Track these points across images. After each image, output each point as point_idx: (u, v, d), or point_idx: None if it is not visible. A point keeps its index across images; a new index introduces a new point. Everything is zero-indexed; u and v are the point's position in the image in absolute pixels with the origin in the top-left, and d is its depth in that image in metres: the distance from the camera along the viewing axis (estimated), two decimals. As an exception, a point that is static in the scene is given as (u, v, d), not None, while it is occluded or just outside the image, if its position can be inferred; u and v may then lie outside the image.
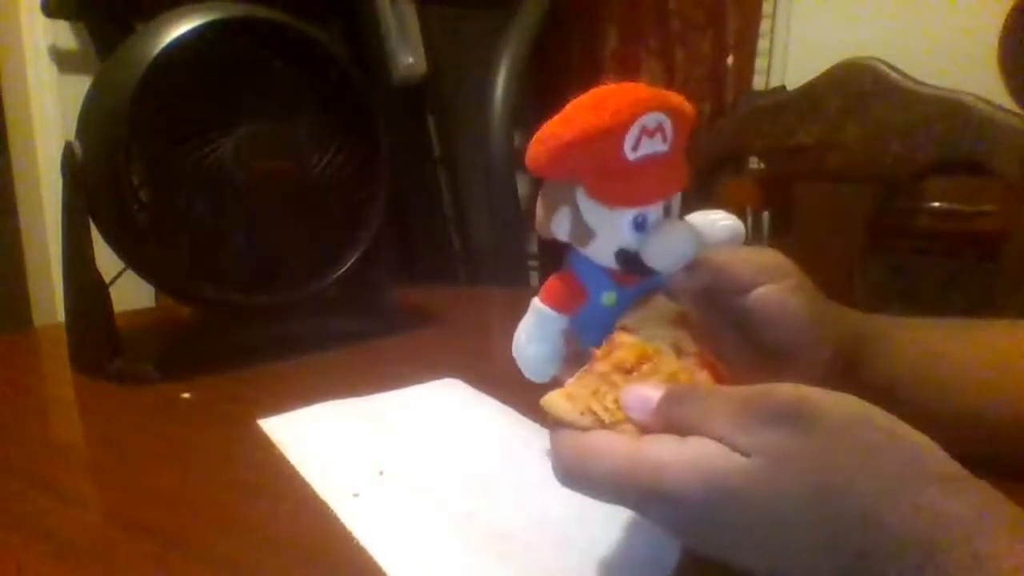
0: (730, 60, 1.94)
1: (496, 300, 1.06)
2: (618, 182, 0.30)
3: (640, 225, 0.31)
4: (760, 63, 1.96)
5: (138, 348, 0.68)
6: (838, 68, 0.81)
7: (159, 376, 0.64)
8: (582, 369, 0.31)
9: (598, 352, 0.31)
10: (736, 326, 0.37)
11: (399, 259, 1.70)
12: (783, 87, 1.85)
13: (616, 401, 0.29)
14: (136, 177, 0.65)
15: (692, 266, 0.33)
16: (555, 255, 0.35)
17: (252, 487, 0.45)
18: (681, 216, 0.34)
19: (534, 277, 1.90)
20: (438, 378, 0.62)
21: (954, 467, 0.25)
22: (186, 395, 0.60)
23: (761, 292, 0.36)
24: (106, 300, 0.67)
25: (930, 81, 0.75)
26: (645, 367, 0.30)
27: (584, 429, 0.29)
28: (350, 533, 0.38)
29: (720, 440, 0.26)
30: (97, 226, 0.66)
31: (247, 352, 0.69)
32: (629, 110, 0.29)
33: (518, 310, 0.35)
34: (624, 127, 0.29)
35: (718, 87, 1.97)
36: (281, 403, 0.56)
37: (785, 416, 0.25)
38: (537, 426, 0.50)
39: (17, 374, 0.72)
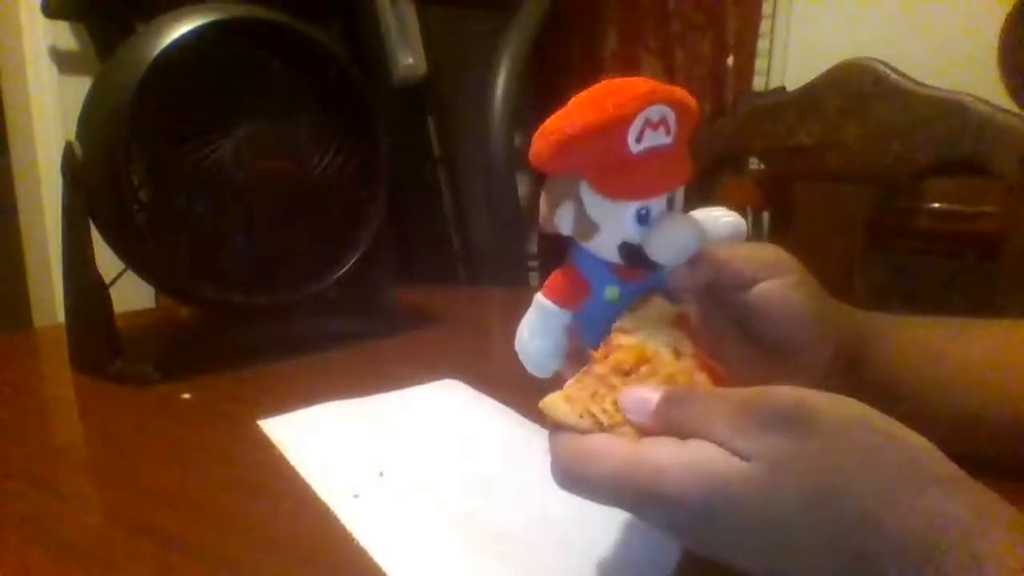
0: (730, 60, 1.95)
1: (496, 300, 1.06)
2: (621, 175, 0.30)
3: (643, 219, 0.31)
4: (760, 63, 1.96)
5: (138, 348, 0.68)
6: (838, 68, 0.81)
7: (159, 376, 0.64)
8: (580, 371, 0.31)
9: (596, 354, 0.31)
10: (738, 322, 0.37)
11: (399, 259, 1.69)
12: (783, 87, 1.85)
13: (615, 403, 0.29)
14: (136, 177, 0.65)
15: (694, 261, 0.33)
16: (555, 254, 0.35)
17: (252, 487, 0.45)
18: (684, 213, 0.34)
19: (534, 277, 1.90)
20: (438, 378, 0.62)
21: (952, 469, 0.25)
22: (186, 395, 0.60)
23: (763, 287, 0.36)
24: (106, 300, 0.67)
25: (930, 81, 0.75)
26: (643, 369, 0.30)
27: (583, 432, 0.29)
28: (350, 533, 0.38)
29: (719, 444, 0.26)
30: (97, 226, 0.67)
31: (247, 352, 0.69)
32: (633, 103, 0.29)
33: (518, 310, 0.35)
34: (628, 120, 0.29)
35: (718, 87, 1.97)
36: (281, 403, 0.56)
37: (783, 419, 0.25)
38: (537, 427, 0.50)
39: (17, 374, 0.72)
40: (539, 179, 0.33)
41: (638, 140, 0.29)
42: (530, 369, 0.35)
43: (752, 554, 0.26)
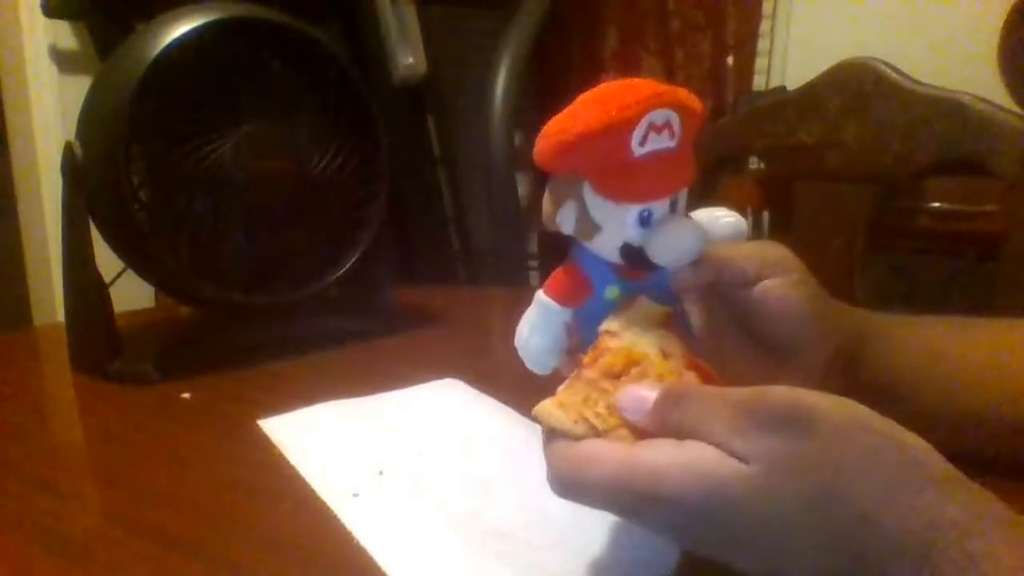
0: (730, 60, 1.95)
1: (496, 300, 1.06)
2: (624, 178, 0.30)
3: (645, 221, 0.31)
4: (760, 63, 1.96)
5: (138, 348, 0.68)
6: (838, 68, 0.81)
7: (159, 376, 0.64)
8: (570, 376, 0.31)
9: (585, 358, 0.31)
10: (738, 321, 0.37)
11: (399, 259, 1.69)
12: (783, 87, 1.85)
13: (608, 407, 0.29)
14: (136, 177, 0.65)
15: (696, 261, 0.33)
16: (556, 254, 0.35)
17: (252, 487, 0.45)
18: (686, 214, 0.34)
19: (534, 277, 1.91)
20: (438, 378, 0.62)
21: (950, 469, 0.25)
22: (186, 395, 0.60)
23: (765, 286, 0.36)
24: (106, 300, 0.67)
25: (930, 81, 0.75)
26: (633, 371, 0.30)
27: (577, 437, 0.29)
28: (350, 533, 0.38)
29: (716, 444, 0.26)
30: (97, 226, 0.66)
31: (247, 352, 0.69)
32: (638, 106, 0.29)
33: (518, 310, 0.35)
34: (632, 123, 0.29)
35: (718, 87, 1.97)
36: (281, 403, 0.56)
37: (781, 420, 0.25)
38: (537, 426, 0.50)
39: (17, 374, 0.72)
40: (540, 179, 0.33)
41: (641, 144, 0.30)
42: (529, 366, 0.35)
43: (751, 555, 0.26)
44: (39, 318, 1.77)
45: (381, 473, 0.45)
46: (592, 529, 0.37)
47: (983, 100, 0.71)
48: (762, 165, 1.04)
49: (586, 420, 0.29)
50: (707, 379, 0.31)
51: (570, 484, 0.29)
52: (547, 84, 2.07)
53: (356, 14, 1.66)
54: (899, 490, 0.24)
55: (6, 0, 1.60)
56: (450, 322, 0.87)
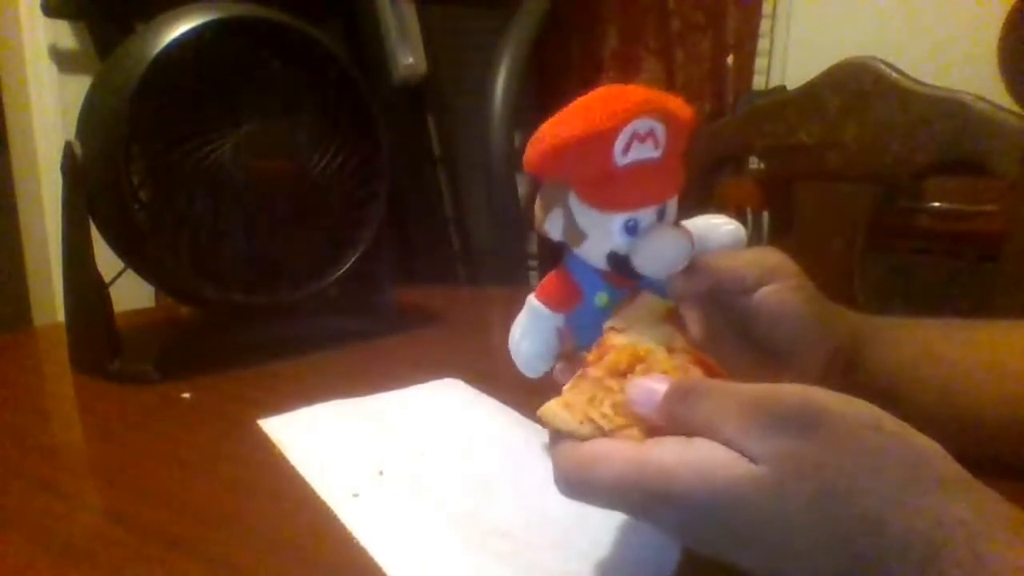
0: (730, 60, 1.95)
1: (496, 300, 1.06)
2: (607, 186, 0.30)
3: (631, 229, 0.31)
4: (760, 63, 1.96)
5: (138, 348, 0.68)
6: (838, 68, 0.81)
7: (159, 376, 0.64)
8: (575, 375, 0.31)
9: (589, 356, 0.31)
10: (737, 325, 0.37)
11: (399, 259, 1.70)
12: (783, 86, 1.85)
13: (613, 407, 0.29)
14: (136, 177, 0.65)
15: (693, 270, 0.33)
16: (555, 255, 0.35)
17: (252, 487, 0.45)
18: (680, 220, 0.34)
19: (533, 277, 1.91)
20: (438, 378, 0.62)
21: (958, 470, 0.25)
22: (186, 395, 0.60)
23: (763, 292, 0.36)
24: (106, 300, 0.67)
25: (930, 81, 0.75)
26: (638, 369, 0.30)
27: (583, 438, 0.29)
28: (350, 533, 0.38)
29: (726, 442, 0.26)
30: (97, 226, 0.66)
31: (247, 352, 0.69)
32: (621, 115, 0.29)
33: (518, 310, 0.36)
34: (615, 131, 0.29)
35: (718, 87, 1.97)
36: (281, 403, 0.56)
37: (792, 419, 0.25)
38: (537, 426, 0.50)
39: (17, 373, 0.72)
40: (538, 180, 0.33)
41: (624, 152, 0.30)
42: (521, 368, 0.35)
43: (757, 554, 0.26)
44: (39, 318, 1.77)
45: (381, 473, 0.45)
46: (593, 529, 0.37)
47: (983, 100, 0.71)
48: (762, 165, 1.04)
49: (592, 420, 0.29)
50: (712, 374, 0.31)
51: (577, 484, 0.28)
52: (547, 84, 2.07)
53: (356, 14, 1.67)
54: (906, 490, 0.24)
55: (6, 0, 1.60)
56: (450, 322, 0.87)
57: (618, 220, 0.31)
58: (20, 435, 0.55)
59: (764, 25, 1.94)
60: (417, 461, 0.47)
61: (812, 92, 0.82)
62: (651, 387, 0.29)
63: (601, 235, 0.31)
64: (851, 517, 0.24)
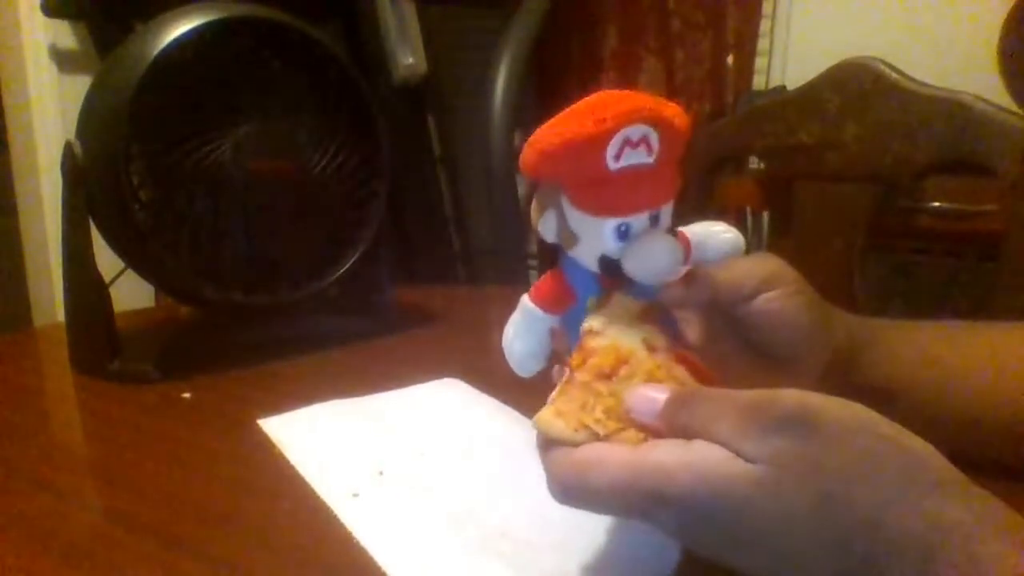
0: (730, 60, 1.95)
1: (496, 300, 1.06)
2: (598, 191, 0.30)
3: (623, 234, 0.31)
4: (760, 63, 1.96)
5: (138, 348, 0.68)
6: (838, 68, 0.80)
7: (159, 376, 0.64)
8: (562, 380, 0.31)
9: (572, 361, 0.31)
10: (735, 331, 0.37)
11: (399, 259, 1.70)
12: (783, 86, 1.85)
13: (605, 411, 0.29)
14: (136, 177, 0.65)
15: (691, 281, 0.34)
16: (554, 255, 0.35)
17: (252, 487, 0.45)
18: (679, 224, 0.34)
19: (533, 277, 1.90)
20: (438, 378, 0.62)
21: (954, 473, 0.25)
22: (186, 395, 0.60)
23: (762, 299, 0.36)
24: (106, 300, 0.67)
25: (930, 81, 0.75)
26: (623, 370, 0.30)
27: (579, 445, 0.29)
28: (350, 533, 0.38)
29: (724, 444, 0.26)
30: (97, 226, 0.66)
31: (247, 352, 0.69)
32: (614, 120, 0.29)
33: (517, 309, 0.35)
34: (607, 137, 0.29)
35: (718, 87, 1.97)
36: (281, 403, 0.56)
37: (789, 422, 0.26)
38: (537, 426, 0.50)
39: (17, 374, 0.72)
40: (535, 181, 0.33)
41: (616, 158, 0.30)
42: (513, 367, 0.36)
43: (755, 556, 0.26)
44: (39, 318, 1.77)
45: (381, 473, 0.45)
46: (593, 529, 0.37)
47: (983, 100, 0.71)
48: (762, 165, 1.04)
49: (586, 427, 0.29)
50: (695, 370, 0.31)
51: (573, 489, 0.28)
52: (547, 84, 2.07)
53: (356, 14, 1.67)
54: (902, 493, 0.24)
55: (6, 0, 1.60)
56: (450, 322, 0.87)
57: (610, 224, 0.31)
58: (20, 435, 0.55)
59: (764, 25, 1.94)
60: (417, 461, 0.47)
61: (812, 92, 0.82)
62: (651, 395, 0.29)
63: (593, 239, 0.31)
64: (848, 519, 0.24)
